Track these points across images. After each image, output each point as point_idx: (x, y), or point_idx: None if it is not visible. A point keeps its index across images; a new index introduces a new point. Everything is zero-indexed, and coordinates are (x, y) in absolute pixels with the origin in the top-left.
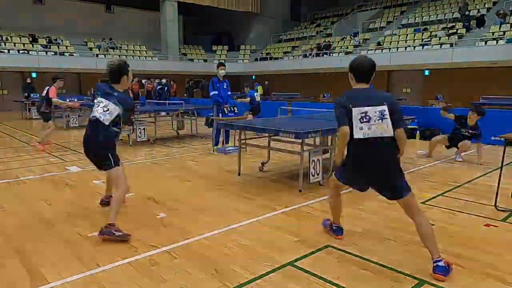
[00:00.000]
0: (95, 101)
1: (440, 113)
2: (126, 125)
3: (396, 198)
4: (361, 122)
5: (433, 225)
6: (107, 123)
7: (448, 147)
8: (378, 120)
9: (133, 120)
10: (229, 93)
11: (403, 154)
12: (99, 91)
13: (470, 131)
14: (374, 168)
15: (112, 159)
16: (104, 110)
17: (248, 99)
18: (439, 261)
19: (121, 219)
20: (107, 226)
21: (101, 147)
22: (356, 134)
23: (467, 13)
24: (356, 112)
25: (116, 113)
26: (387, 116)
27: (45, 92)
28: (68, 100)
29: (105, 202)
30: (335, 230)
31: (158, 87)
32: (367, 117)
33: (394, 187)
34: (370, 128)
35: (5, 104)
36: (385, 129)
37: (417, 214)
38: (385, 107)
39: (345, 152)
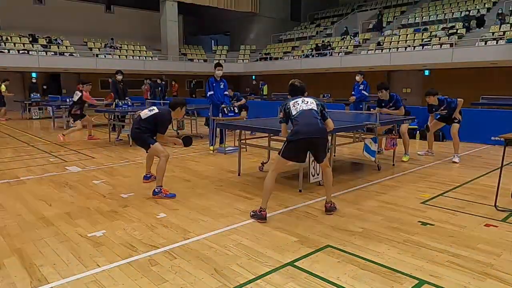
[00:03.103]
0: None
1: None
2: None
3: None
4: None
5: (432, 225)
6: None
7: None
8: None
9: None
10: (226, 93)
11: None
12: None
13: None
14: None
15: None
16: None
17: (244, 100)
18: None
19: (121, 219)
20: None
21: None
22: None
23: (467, 13)
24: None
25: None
26: None
27: (77, 97)
28: (68, 100)
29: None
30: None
31: (152, 85)
32: None
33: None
34: None
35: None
36: None
37: None
38: None
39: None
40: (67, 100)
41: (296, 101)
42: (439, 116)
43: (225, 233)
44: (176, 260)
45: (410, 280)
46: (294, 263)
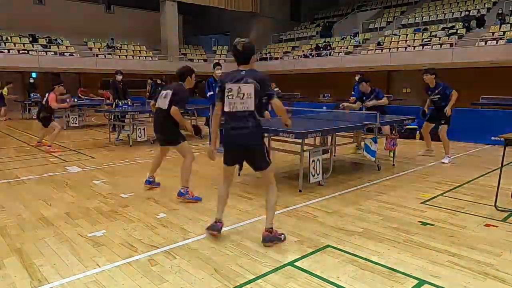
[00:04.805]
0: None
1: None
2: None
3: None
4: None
5: (432, 225)
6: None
7: (435, 125)
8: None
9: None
10: None
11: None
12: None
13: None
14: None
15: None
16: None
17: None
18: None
19: (121, 219)
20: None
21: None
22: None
23: (467, 13)
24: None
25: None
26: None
27: (45, 99)
28: (68, 101)
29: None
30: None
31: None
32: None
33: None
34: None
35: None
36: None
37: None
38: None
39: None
40: (67, 100)
41: (231, 89)
42: (429, 114)
43: (225, 233)
44: (176, 260)
45: (410, 280)
46: (294, 263)
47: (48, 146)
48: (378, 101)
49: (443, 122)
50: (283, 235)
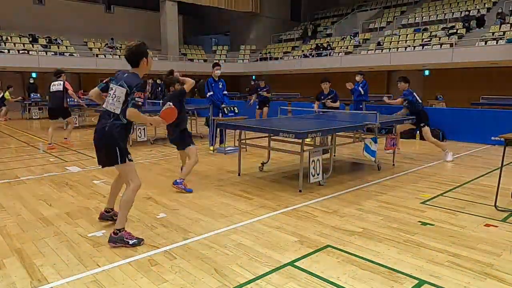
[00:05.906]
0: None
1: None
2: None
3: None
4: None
5: (432, 225)
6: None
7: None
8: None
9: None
10: (225, 92)
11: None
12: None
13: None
14: None
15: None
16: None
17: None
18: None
19: None
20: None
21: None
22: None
23: (467, 13)
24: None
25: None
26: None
27: (61, 87)
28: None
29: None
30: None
31: (154, 86)
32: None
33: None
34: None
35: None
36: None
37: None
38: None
39: None
40: (68, 100)
41: (112, 88)
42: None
43: (225, 233)
44: (176, 260)
45: (410, 280)
46: (294, 263)
47: (65, 138)
48: (332, 104)
49: (422, 125)
50: (133, 240)
